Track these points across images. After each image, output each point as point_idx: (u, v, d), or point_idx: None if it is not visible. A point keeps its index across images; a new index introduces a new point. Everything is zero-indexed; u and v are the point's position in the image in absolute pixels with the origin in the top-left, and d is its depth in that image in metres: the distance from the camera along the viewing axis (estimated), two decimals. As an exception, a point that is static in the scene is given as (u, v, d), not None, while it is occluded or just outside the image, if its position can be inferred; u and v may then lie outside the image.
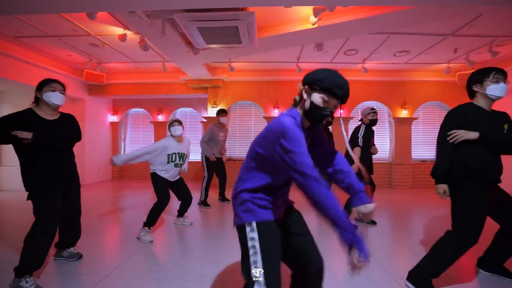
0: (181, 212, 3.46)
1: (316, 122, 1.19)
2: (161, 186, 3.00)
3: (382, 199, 5.13)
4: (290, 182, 1.25)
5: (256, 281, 1.09)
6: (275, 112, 6.62)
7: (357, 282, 1.94)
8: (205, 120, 6.87)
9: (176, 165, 3.07)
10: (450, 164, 1.87)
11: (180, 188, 3.23)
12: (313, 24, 3.56)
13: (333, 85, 1.13)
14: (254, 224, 1.14)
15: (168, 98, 7.56)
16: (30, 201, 2.03)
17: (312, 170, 1.04)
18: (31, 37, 4.60)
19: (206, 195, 4.59)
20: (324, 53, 5.20)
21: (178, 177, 3.21)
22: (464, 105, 1.92)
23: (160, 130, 7.71)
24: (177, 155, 3.06)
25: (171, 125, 3.12)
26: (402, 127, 6.71)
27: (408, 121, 6.68)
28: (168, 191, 3.05)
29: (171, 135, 3.12)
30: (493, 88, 1.82)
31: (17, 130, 1.90)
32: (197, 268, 2.22)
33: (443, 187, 1.88)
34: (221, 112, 4.62)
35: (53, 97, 2.10)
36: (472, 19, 3.79)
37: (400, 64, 5.99)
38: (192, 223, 3.47)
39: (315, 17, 3.35)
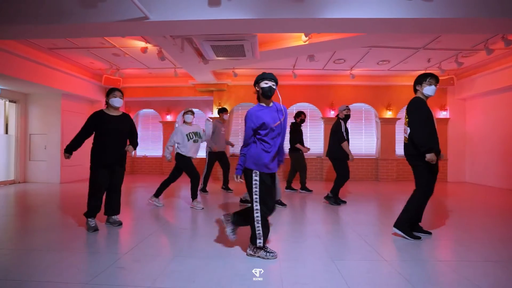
0: (193, 194, 4.10)
1: (266, 95, 2.18)
2: (188, 164, 3.98)
3: (370, 191, 5.90)
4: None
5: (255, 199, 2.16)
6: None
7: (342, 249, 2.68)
8: (211, 121, 7.63)
9: (195, 141, 3.99)
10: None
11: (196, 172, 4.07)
12: (305, 42, 4.34)
13: (263, 76, 2.21)
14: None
15: (177, 100, 8.31)
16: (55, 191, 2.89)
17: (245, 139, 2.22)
18: (63, 48, 5.34)
19: (205, 184, 5.29)
20: (316, 61, 5.98)
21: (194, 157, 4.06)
22: (418, 97, 2.68)
23: (169, 129, 8.45)
24: (192, 133, 4.01)
25: (185, 113, 4.07)
26: (387, 126, 7.50)
27: (392, 121, 7.48)
28: (194, 166, 4.01)
29: (184, 122, 4.08)
30: (427, 89, 2.62)
31: (97, 125, 2.91)
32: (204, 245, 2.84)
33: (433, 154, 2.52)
34: (223, 111, 5.40)
35: (114, 101, 2.91)
36: (435, 37, 4.58)
37: (383, 71, 6.79)
38: (203, 208, 4.05)
39: (306, 36, 4.12)
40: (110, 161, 2.93)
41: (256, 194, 2.15)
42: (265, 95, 2.18)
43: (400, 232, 2.71)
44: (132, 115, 8.65)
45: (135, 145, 3.17)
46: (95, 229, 2.88)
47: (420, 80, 2.67)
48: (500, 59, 5.59)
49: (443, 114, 7.40)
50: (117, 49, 5.33)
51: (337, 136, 4.19)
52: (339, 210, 3.96)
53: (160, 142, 8.63)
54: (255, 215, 2.15)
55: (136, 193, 5.56)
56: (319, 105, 7.48)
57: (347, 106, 4.29)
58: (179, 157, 4.00)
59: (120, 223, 3.09)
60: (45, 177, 6.63)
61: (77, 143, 2.94)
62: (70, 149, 2.93)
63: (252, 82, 7.67)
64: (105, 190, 2.99)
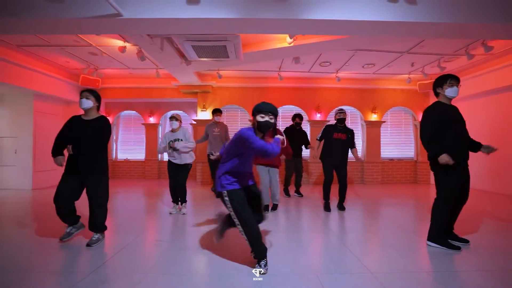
0: (174, 200, 4.03)
1: (262, 130, 2.07)
2: (169, 171, 3.93)
3: (356, 194, 5.88)
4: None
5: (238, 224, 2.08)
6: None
7: (328, 262, 2.56)
8: (195, 123, 7.42)
9: (174, 150, 3.78)
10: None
11: (179, 176, 3.90)
12: (289, 44, 4.24)
13: (259, 108, 2.08)
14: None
15: (160, 101, 8.03)
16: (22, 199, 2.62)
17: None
18: (34, 46, 5.00)
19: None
20: (302, 64, 5.91)
21: (186, 161, 3.87)
22: (438, 103, 2.59)
23: (151, 131, 8.16)
24: (171, 142, 3.83)
25: (170, 119, 3.91)
26: (372, 129, 7.54)
27: (377, 124, 7.53)
28: (172, 175, 3.91)
29: (170, 130, 3.93)
30: (449, 91, 2.55)
31: (69, 131, 2.70)
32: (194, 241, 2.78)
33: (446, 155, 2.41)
34: (215, 112, 5.26)
35: (80, 103, 2.70)
36: (419, 41, 4.60)
37: (369, 74, 6.82)
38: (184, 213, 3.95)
39: (291, 38, 4.02)
40: (80, 168, 2.66)
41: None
42: (260, 130, 2.08)
43: (434, 245, 2.60)
44: (113, 117, 8.29)
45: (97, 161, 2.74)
46: (62, 237, 2.67)
47: (441, 82, 2.60)
48: (480, 63, 5.72)
49: (426, 117, 7.52)
50: (94, 47, 5.04)
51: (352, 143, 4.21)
52: (325, 216, 3.87)
53: (143, 145, 8.31)
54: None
55: (115, 199, 5.28)
56: (306, 108, 7.43)
57: (340, 109, 4.17)
58: (169, 163, 3.94)
59: (89, 244, 2.68)
60: (16, 183, 6.19)
61: (57, 147, 2.68)
62: (54, 152, 2.66)
63: (237, 84, 7.64)
64: (64, 199, 2.64)
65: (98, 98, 2.80)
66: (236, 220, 2.08)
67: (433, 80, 2.73)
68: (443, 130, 2.52)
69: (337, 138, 4.06)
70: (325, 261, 2.35)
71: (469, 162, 2.61)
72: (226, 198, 2.10)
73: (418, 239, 2.85)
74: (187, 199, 4.12)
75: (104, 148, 2.77)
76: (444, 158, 2.41)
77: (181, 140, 3.85)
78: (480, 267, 2.21)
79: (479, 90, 5.88)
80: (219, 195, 2.16)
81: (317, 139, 4.28)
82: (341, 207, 4.17)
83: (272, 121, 2.05)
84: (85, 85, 6.52)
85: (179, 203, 4.04)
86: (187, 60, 4.74)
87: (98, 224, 2.73)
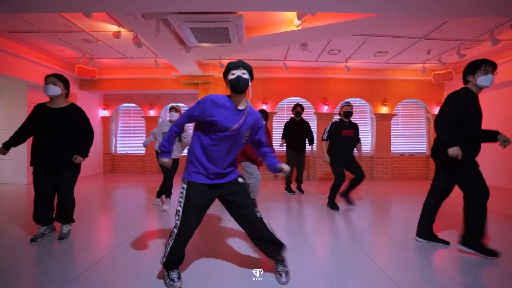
0: (159, 192, 3.96)
1: (235, 88, 1.63)
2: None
3: (365, 191, 5.54)
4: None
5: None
6: (264, 107, 6.92)
7: (343, 271, 2.04)
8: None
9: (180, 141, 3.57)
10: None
11: (169, 170, 3.65)
12: (297, 26, 3.87)
13: (228, 66, 1.67)
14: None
15: (160, 93, 7.73)
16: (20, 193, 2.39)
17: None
18: (24, 32, 4.69)
19: None
20: (309, 52, 5.53)
21: (177, 156, 3.68)
22: (466, 89, 2.24)
23: (151, 124, 7.87)
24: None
25: (169, 110, 3.72)
26: (383, 122, 7.15)
27: (388, 117, 7.14)
28: (167, 170, 3.58)
29: (168, 120, 3.73)
30: (483, 79, 2.17)
31: (36, 120, 2.42)
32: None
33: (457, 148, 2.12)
34: None
35: (45, 89, 2.40)
36: (439, 25, 4.19)
37: (380, 64, 6.40)
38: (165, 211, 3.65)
39: (299, 20, 3.65)
40: (48, 161, 2.41)
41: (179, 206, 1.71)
42: (234, 90, 1.64)
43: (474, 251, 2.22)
44: (112, 110, 8.02)
45: (83, 150, 2.51)
46: (33, 238, 2.46)
47: (472, 69, 2.22)
48: (505, 50, 5.25)
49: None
50: (87, 33, 4.72)
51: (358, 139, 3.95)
52: (335, 215, 3.55)
53: (143, 138, 8.02)
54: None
55: (115, 194, 5.03)
56: (312, 100, 7.05)
57: (347, 103, 3.85)
58: (156, 153, 3.64)
59: (62, 237, 2.51)
60: (11, 178, 5.98)
61: (16, 139, 2.44)
62: (7, 145, 2.43)
63: None
64: (48, 197, 2.47)
65: (66, 84, 2.52)
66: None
67: (450, 70, 2.38)
68: (463, 122, 2.18)
69: (346, 135, 3.77)
70: (339, 269, 2.03)
71: (485, 158, 2.27)
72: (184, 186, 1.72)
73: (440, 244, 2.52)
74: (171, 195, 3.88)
75: (85, 140, 2.54)
76: (455, 151, 2.10)
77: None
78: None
79: (503, 80, 5.40)
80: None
81: (323, 140, 3.85)
82: (347, 198, 3.92)
83: (246, 76, 1.63)
84: (81, 76, 6.23)
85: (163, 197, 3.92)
86: (186, 46, 4.40)
87: (68, 215, 2.58)
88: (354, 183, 3.83)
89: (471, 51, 5.33)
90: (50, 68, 5.99)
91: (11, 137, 2.46)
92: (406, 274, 1.94)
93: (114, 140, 8.17)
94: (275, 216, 3.51)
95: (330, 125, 3.88)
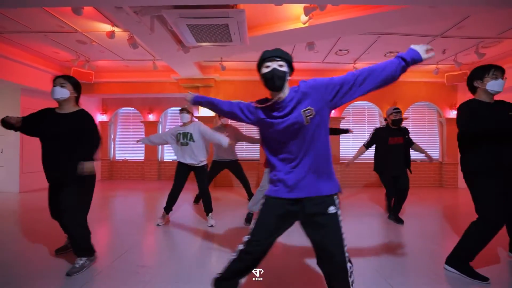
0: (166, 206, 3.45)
1: (269, 85, 1.34)
2: (176, 172, 3.38)
3: (375, 199, 5.17)
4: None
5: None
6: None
7: None
8: (196, 120, 6.78)
9: (182, 144, 3.25)
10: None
11: (198, 180, 3.40)
12: (304, 23, 3.55)
13: (262, 56, 1.37)
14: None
15: (159, 97, 7.46)
16: (11, 202, 2.03)
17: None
18: (14, 32, 4.45)
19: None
20: (315, 53, 5.22)
21: (200, 163, 3.31)
22: (472, 101, 2.06)
23: (151, 129, 7.59)
24: (181, 134, 3.26)
25: (180, 112, 3.37)
26: (393, 127, 6.77)
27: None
28: (180, 179, 3.33)
29: (181, 124, 3.40)
30: (492, 84, 2.00)
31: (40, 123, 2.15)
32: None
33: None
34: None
35: (51, 92, 2.12)
36: (459, 20, 3.85)
37: (390, 65, 6.05)
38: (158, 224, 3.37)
39: (306, 16, 3.34)
40: (52, 175, 2.11)
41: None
42: (269, 86, 1.35)
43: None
44: (110, 114, 7.76)
45: (87, 153, 2.12)
46: (58, 250, 2.38)
47: (480, 74, 2.04)
48: (526, 49, 4.89)
49: (453, 114, 6.70)
50: (81, 34, 4.46)
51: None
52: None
53: (142, 144, 7.73)
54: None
55: (112, 203, 4.71)
56: (318, 103, 6.72)
57: (395, 108, 3.48)
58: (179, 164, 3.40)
59: (79, 269, 2.06)
60: (2, 186, 5.70)
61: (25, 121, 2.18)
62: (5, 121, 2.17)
63: (243, 77, 6.67)
64: (57, 214, 2.18)
65: (77, 87, 2.23)
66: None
67: (464, 72, 2.12)
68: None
69: (394, 143, 3.42)
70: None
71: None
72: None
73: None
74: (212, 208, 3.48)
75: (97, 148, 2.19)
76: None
77: (191, 134, 3.24)
78: None
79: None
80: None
81: (363, 146, 3.62)
82: (397, 218, 3.53)
83: (283, 69, 1.32)
84: (78, 79, 5.96)
85: (206, 213, 3.44)
86: (184, 46, 4.11)
87: (78, 246, 2.12)
88: (398, 199, 3.50)
89: (491, 50, 4.96)
90: (45, 71, 5.76)
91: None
92: None
93: (112, 145, 7.89)
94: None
95: (374, 131, 3.60)
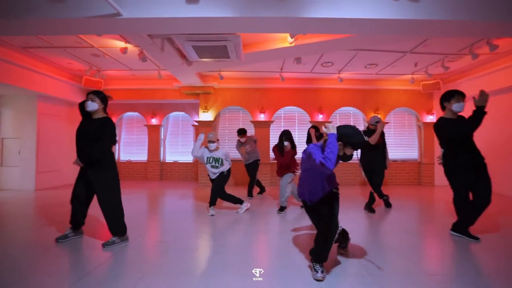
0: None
1: (356, 147, 1.95)
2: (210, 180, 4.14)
3: (356, 196, 5.80)
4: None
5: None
6: (261, 117, 7.24)
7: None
8: (197, 124, 7.41)
9: (212, 167, 3.99)
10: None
11: (214, 184, 4.08)
12: (291, 44, 4.21)
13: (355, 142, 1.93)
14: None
15: (162, 103, 8.05)
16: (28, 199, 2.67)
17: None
18: (37, 47, 5.04)
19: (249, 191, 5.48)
20: (303, 65, 5.88)
21: (217, 175, 4.05)
22: (440, 119, 2.90)
23: (154, 133, 8.18)
24: (212, 159, 4.01)
25: (208, 141, 3.99)
26: (375, 130, 7.44)
27: (380, 125, 7.44)
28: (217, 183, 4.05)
29: (210, 151, 4.04)
30: (456, 106, 2.81)
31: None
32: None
33: None
34: (239, 133, 5.32)
35: (86, 105, 2.73)
36: (423, 40, 4.54)
37: (371, 75, 6.76)
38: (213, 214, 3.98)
39: (291, 38, 3.99)
40: (83, 163, 2.69)
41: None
42: (355, 148, 1.96)
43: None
44: (115, 118, 8.33)
45: (92, 153, 2.62)
46: (59, 238, 2.75)
47: (448, 97, 2.85)
48: (485, 63, 5.63)
49: (429, 118, 7.42)
50: (96, 49, 5.07)
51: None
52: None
53: (145, 146, 8.33)
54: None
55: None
56: (308, 109, 7.38)
57: (377, 121, 4.27)
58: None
59: (111, 243, 2.65)
60: (19, 184, 6.24)
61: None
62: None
63: (239, 85, 7.48)
64: (79, 201, 2.77)
65: (103, 100, 2.81)
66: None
67: (437, 81, 2.84)
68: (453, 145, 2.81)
69: (375, 143, 4.14)
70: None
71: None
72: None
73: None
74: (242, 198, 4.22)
75: (106, 146, 2.73)
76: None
77: (222, 159, 4.00)
78: None
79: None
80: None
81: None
82: (370, 209, 4.21)
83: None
84: (88, 87, 6.55)
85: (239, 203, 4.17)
86: (188, 60, 4.73)
87: (111, 226, 2.72)
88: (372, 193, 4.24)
89: (455, 63, 5.69)
90: (59, 80, 6.33)
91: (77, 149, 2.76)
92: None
93: (117, 147, 8.45)
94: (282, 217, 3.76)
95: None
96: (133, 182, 7.79)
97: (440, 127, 2.86)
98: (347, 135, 1.90)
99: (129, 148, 8.52)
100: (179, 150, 8.45)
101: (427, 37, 4.30)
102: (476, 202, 2.75)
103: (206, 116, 7.23)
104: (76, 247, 2.64)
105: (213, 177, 4.04)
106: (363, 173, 4.22)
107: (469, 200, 2.80)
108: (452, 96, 2.81)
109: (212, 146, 3.96)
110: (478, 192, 2.73)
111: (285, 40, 4.36)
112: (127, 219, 2.81)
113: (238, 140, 5.41)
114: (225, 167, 4.02)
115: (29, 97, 6.22)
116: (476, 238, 2.76)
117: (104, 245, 2.62)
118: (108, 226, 2.71)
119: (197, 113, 7.72)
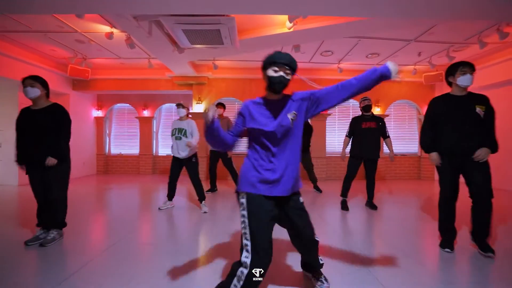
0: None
1: (273, 88, 1.47)
2: (171, 163, 3.71)
3: (357, 190, 5.60)
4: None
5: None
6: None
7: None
8: (190, 116, 7.08)
9: (176, 138, 3.59)
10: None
11: (189, 173, 3.72)
12: (289, 29, 3.91)
13: (273, 58, 1.46)
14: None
15: (154, 94, 7.71)
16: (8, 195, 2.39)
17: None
18: (14, 31, 4.65)
19: (211, 185, 5.11)
20: (302, 53, 5.58)
21: (187, 154, 3.57)
22: (437, 97, 2.47)
23: (146, 125, 7.85)
24: (176, 130, 3.60)
25: (177, 107, 3.70)
26: (375, 123, 7.23)
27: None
28: (174, 171, 3.68)
29: (178, 118, 3.74)
30: (462, 79, 2.29)
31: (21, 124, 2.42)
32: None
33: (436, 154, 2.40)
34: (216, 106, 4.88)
35: (24, 92, 2.41)
36: (429, 27, 4.27)
37: (372, 65, 6.48)
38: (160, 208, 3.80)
39: (290, 22, 3.69)
40: (35, 159, 2.40)
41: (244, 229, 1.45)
42: (272, 88, 1.48)
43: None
44: (105, 110, 7.98)
45: (57, 150, 2.40)
46: (28, 241, 2.46)
47: (452, 70, 2.35)
48: (493, 52, 5.37)
49: (431, 111, 7.21)
50: (80, 34, 4.69)
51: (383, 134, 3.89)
52: (332, 216, 3.59)
53: (137, 139, 8.01)
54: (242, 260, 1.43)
55: (107, 195, 5.00)
56: (306, 101, 7.10)
57: (364, 97, 3.83)
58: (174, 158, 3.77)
59: (51, 240, 2.46)
60: (0, 179, 5.92)
61: (21, 151, 2.44)
62: (20, 161, 2.45)
63: (234, 75, 7.06)
64: (40, 197, 2.50)
65: (45, 84, 2.51)
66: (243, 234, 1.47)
67: (440, 72, 2.53)
68: (437, 125, 2.40)
69: (367, 127, 3.72)
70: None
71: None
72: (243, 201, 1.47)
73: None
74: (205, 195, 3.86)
75: (66, 139, 2.52)
76: (432, 157, 2.40)
77: (185, 130, 3.61)
78: None
79: (491, 82, 5.54)
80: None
81: (346, 136, 3.92)
82: (371, 205, 3.88)
83: (288, 77, 1.46)
84: (74, 76, 6.17)
85: (199, 201, 3.78)
86: (179, 47, 4.40)
87: (57, 219, 2.53)
88: (368, 187, 3.89)
89: (460, 53, 5.44)
90: (42, 68, 5.94)
91: (17, 153, 2.45)
92: None
93: (107, 140, 8.12)
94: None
95: (351, 120, 3.89)
96: (124, 176, 7.50)
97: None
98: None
99: (120, 141, 8.20)
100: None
101: (440, 21, 3.97)
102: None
103: (200, 107, 6.92)
104: (56, 250, 2.38)
105: (182, 155, 3.56)
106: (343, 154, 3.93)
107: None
108: (456, 68, 2.31)
109: (182, 112, 3.59)
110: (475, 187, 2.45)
111: (283, 26, 4.06)
112: (115, 217, 2.58)
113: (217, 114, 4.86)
114: (191, 141, 3.52)
115: (9, 87, 5.83)
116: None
117: (44, 245, 2.40)
118: (51, 218, 2.51)
119: (191, 105, 7.39)
